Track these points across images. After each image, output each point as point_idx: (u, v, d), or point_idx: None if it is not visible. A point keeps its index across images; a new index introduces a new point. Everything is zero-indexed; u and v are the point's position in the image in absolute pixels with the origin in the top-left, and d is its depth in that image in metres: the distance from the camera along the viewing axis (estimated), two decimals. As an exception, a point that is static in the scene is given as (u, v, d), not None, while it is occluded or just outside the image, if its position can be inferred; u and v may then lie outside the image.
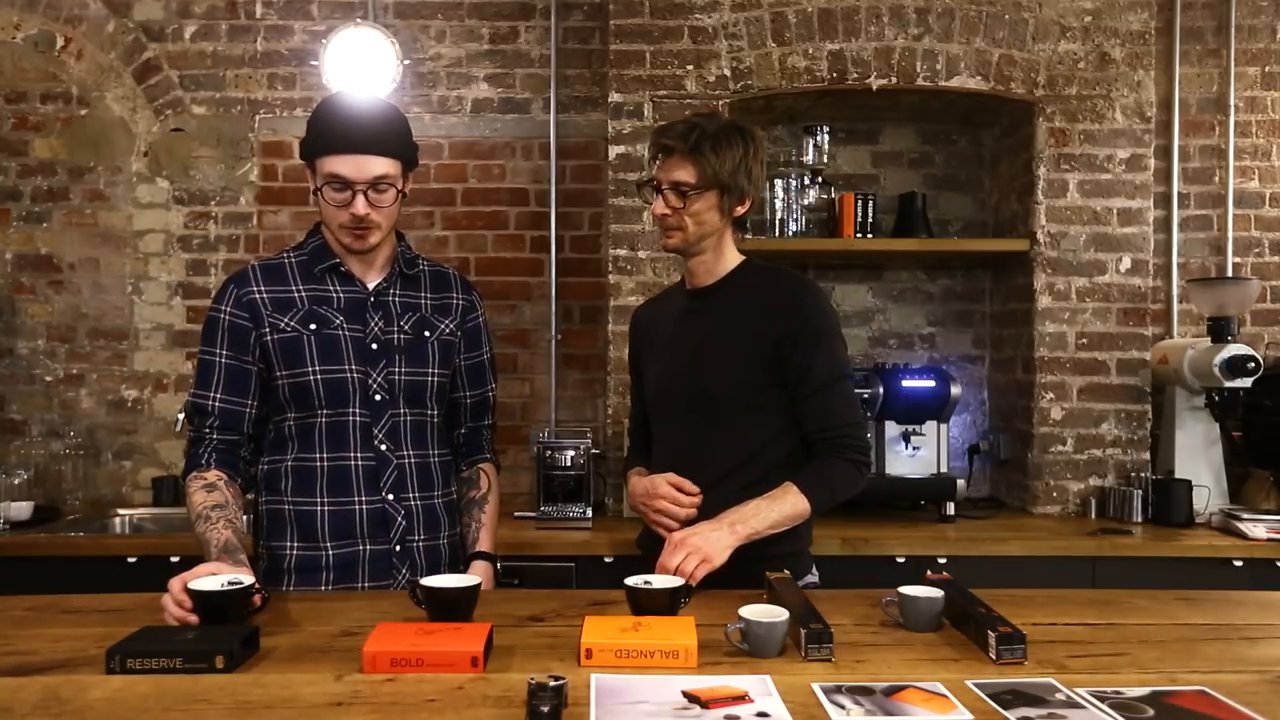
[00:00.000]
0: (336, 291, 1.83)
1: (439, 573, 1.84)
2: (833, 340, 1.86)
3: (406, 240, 1.94)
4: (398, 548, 1.82)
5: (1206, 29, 3.42)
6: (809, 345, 1.82)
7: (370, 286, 1.85)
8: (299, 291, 1.81)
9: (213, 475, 1.75)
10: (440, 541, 1.89)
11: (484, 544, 1.94)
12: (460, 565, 1.92)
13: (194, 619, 1.44)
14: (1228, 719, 1.14)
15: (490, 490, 1.99)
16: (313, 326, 1.79)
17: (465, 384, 1.97)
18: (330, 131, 1.73)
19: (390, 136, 1.76)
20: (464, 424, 2.00)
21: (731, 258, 1.92)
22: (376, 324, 1.83)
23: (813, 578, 1.93)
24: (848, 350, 1.94)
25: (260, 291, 1.80)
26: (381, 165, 1.73)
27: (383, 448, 1.81)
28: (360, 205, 1.73)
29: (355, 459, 1.80)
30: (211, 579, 1.47)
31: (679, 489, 1.83)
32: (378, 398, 1.81)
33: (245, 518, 1.80)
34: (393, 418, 1.82)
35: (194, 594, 1.43)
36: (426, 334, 1.87)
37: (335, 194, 1.73)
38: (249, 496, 1.86)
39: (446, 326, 1.91)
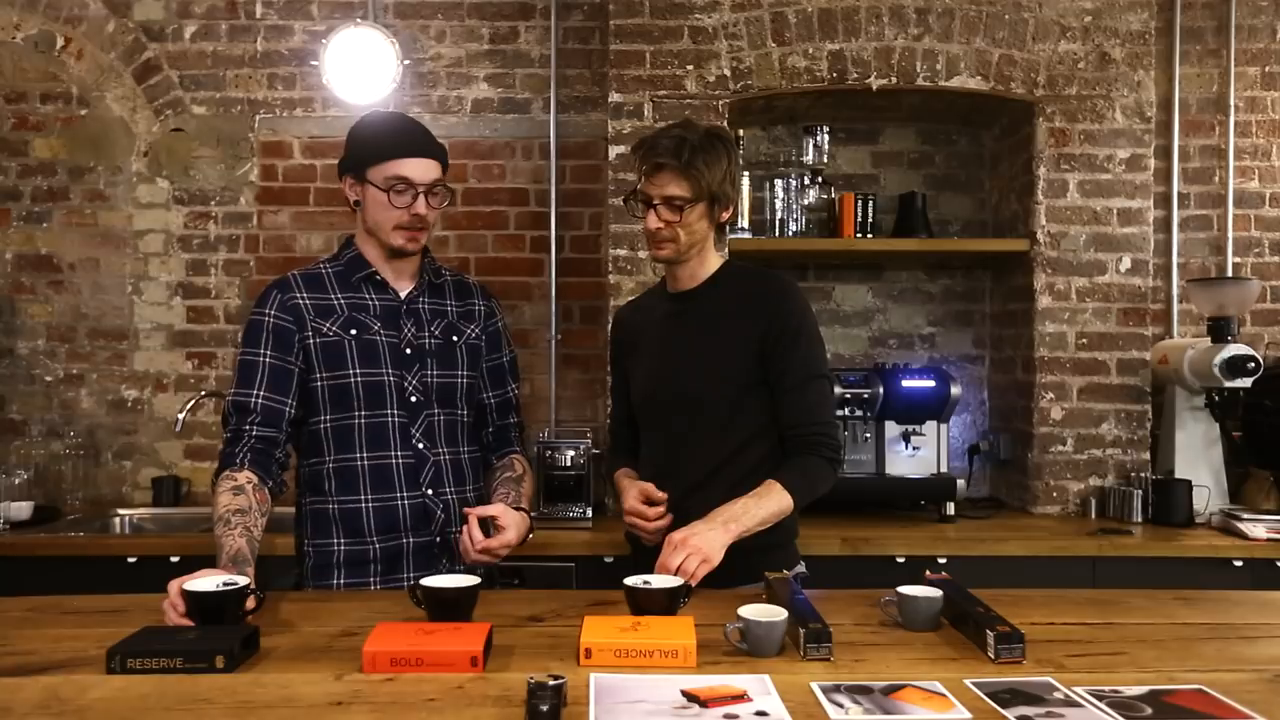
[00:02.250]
0: (372, 299, 1.93)
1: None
2: (811, 340, 1.91)
3: (431, 253, 2.04)
4: (439, 539, 1.90)
5: (1206, 29, 3.42)
6: (788, 343, 1.87)
7: (403, 295, 1.94)
8: (338, 299, 1.91)
9: (243, 477, 1.77)
10: None
11: (524, 504, 1.98)
12: None
13: (191, 621, 1.44)
14: (1226, 717, 1.15)
15: (526, 474, 2.06)
16: (353, 332, 1.88)
17: (488, 385, 2.06)
18: (393, 137, 1.87)
19: (438, 144, 1.92)
20: (491, 423, 2.08)
21: (714, 262, 1.97)
22: (409, 330, 1.92)
23: (801, 569, 1.98)
24: (826, 352, 2.00)
25: (303, 297, 1.89)
26: (437, 170, 1.89)
27: (420, 446, 1.89)
28: (422, 205, 1.86)
29: (395, 457, 1.88)
30: (207, 580, 1.48)
31: (650, 498, 1.88)
32: (413, 399, 1.90)
33: (269, 514, 1.82)
34: (427, 418, 1.91)
35: (189, 595, 1.44)
36: (455, 339, 1.97)
37: (399, 196, 1.84)
38: (287, 493, 1.90)
39: (472, 331, 2.01)
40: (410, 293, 1.95)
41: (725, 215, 1.92)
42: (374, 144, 1.87)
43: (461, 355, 1.97)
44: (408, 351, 1.90)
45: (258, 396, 1.83)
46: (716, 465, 1.89)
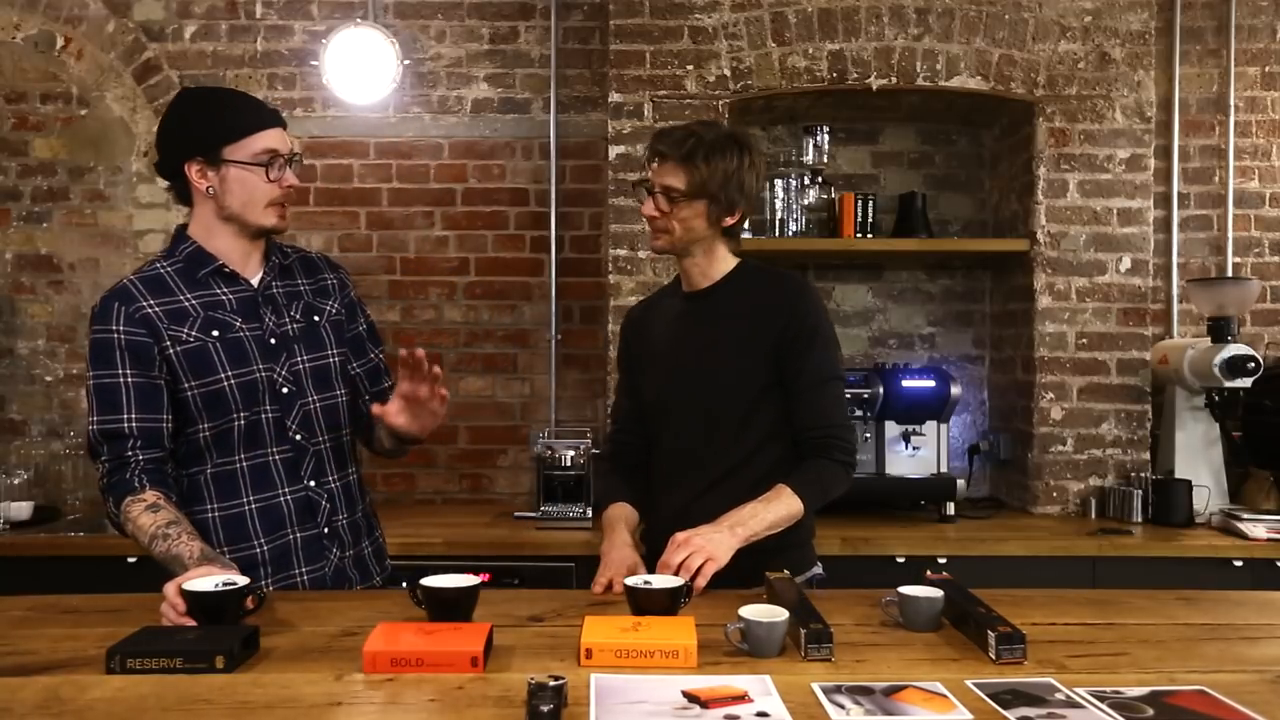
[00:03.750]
0: (226, 294, 1.80)
1: (364, 542, 1.90)
2: (827, 341, 1.89)
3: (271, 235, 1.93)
4: (325, 530, 1.83)
5: (1206, 29, 3.42)
6: (804, 344, 1.85)
7: (255, 283, 1.83)
8: (189, 300, 1.77)
9: (151, 496, 1.67)
10: (359, 515, 1.92)
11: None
12: (376, 532, 1.98)
13: (191, 622, 1.43)
14: (1227, 718, 1.14)
15: None
16: (215, 333, 1.76)
17: (351, 357, 1.94)
18: (250, 111, 1.77)
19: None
20: (365, 392, 1.95)
21: (726, 262, 1.94)
22: (270, 319, 1.82)
23: (817, 570, 1.96)
24: (841, 353, 1.97)
25: (150, 305, 1.73)
26: (289, 139, 1.81)
27: (298, 438, 1.81)
28: (291, 175, 1.78)
29: (272, 454, 1.79)
30: (205, 580, 1.47)
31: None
32: (285, 390, 1.80)
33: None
34: (303, 407, 1.81)
35: (188, 595, 1.43)
36: (316, 318, 1.88)
37: (275, 170, 1.76)
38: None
39: (330, 307, 1.91)
40: (262, 279, 1.83)
41: (730, 220, 1.87)
42: (226, 121, 1.74)
43: (327, 334, 1.87)
44: (272, 342, 1.79)
45: (130, 420, 1.70)
46: (730, 468, 1.86)
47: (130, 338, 1.71)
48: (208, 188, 1.75)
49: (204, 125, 1.75)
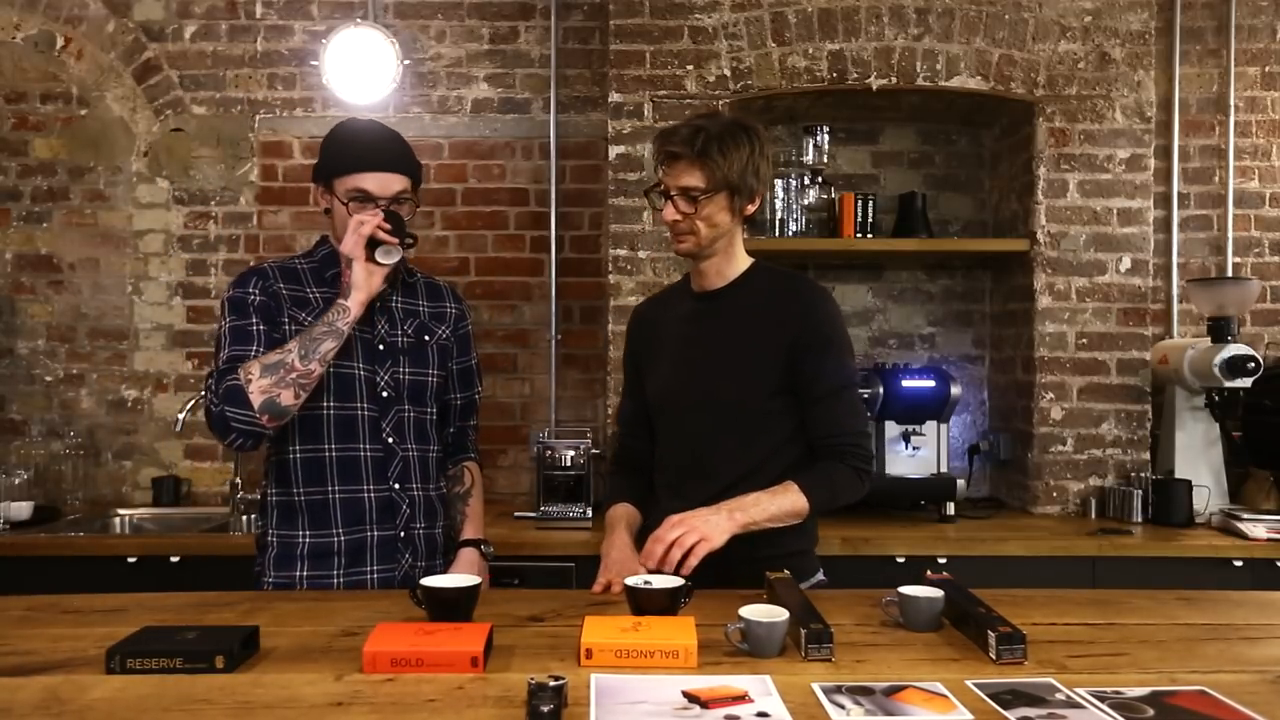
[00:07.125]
0: None
1: (438, 558, 1.97)
2: (841, 348, 1.86)
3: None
4: (402, 534, 1.93)
5: (1206, 29, 3.42)
6: (819, 351, 1.82)
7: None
8: (313, 293, 1.92)
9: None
10: (436, 530, 2.01)
11: (469, 533, 2.05)
12: (451, 554, 2.03)
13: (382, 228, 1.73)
14: (1228, 718, 1.14)
15: (474, 485, 2.11)
16: None
17: (456, 386, 2.09)
18: (355, 151, 1.88)
19: (406, 157, 1.93)
20: (453, 423, 2.11)
21: (741, 260, 1.91)
22: (382, 327, 1.95)
23: (820, 577, 1.93)
24: (854, 358, 1.94)
25: (281, 286, 1.90)
26: (400, 182, 1.89)
27: (390, 440, 1.92)
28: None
29: (364, 450, 1.90)
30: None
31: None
32: (385, 394, 1.92)
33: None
34: (398, 413, 1.93)
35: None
36: (426, 338, 2.00)
37: (359, 208, 1.84)
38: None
39: (443, 332, 2.04)
40: (383, 291, 1.94)
41: (750, 208, 1.84)
42: (338, 156, 1.88)
43: (433, 354, 1.99)
44: (380, 347, 1.92)
45: (257, 353, 1.79)
46: (739, 476, 1.81)
47: (262, 299, 1.87)
48: (325, 209, 1.93)
49: (327, 156, 1.91)
